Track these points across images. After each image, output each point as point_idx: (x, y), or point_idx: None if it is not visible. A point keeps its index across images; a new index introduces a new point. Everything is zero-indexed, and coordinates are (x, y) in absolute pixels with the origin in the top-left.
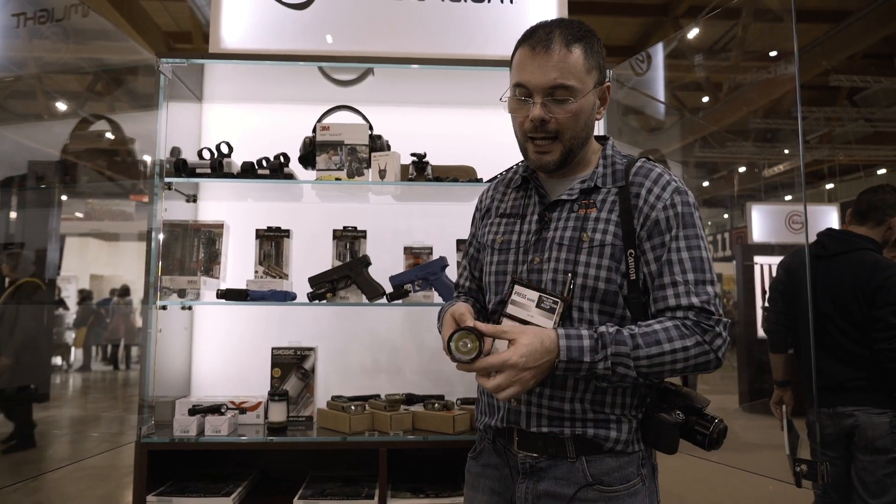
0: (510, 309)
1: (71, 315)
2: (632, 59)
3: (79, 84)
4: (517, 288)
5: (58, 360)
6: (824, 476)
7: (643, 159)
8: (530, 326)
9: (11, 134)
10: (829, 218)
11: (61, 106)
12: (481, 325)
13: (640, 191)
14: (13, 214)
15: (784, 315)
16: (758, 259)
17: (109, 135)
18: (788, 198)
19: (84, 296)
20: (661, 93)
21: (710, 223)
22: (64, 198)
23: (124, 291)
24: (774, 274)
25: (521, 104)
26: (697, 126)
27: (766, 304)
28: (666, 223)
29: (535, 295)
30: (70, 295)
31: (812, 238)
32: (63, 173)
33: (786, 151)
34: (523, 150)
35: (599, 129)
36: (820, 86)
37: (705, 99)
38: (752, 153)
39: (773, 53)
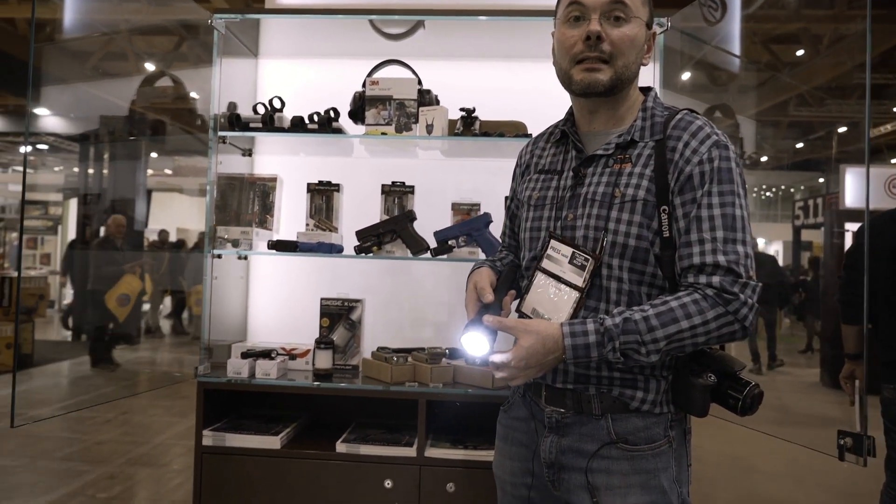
0: (544, 263)
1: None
2: (703, 7)
3: (167, 44)
4: (553, 242)
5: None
6: (870, 451)
7: (685, 111)
8: (535, 324)
9: (104, 93)
10: None
11: (150, 66)
12: (488, 319)
13: (676, 144)
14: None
15: (862, 284)
16: (849, 226)
17: (194, 94)
18: (895, 161)
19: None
20: (736, 45)
21: (802, 188)
22: (154, 155)
23: None
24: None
25: (572, 25)
26: (789, 83)
27: (842, 273)
28: (700, 178)
29: (568, 251)
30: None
31: None
32: (131, 127)
33: (895, 109)
34: (568, 78)
35: (655, 83)
36: None
37: (800, 52)
38: (854, 112)
39: None
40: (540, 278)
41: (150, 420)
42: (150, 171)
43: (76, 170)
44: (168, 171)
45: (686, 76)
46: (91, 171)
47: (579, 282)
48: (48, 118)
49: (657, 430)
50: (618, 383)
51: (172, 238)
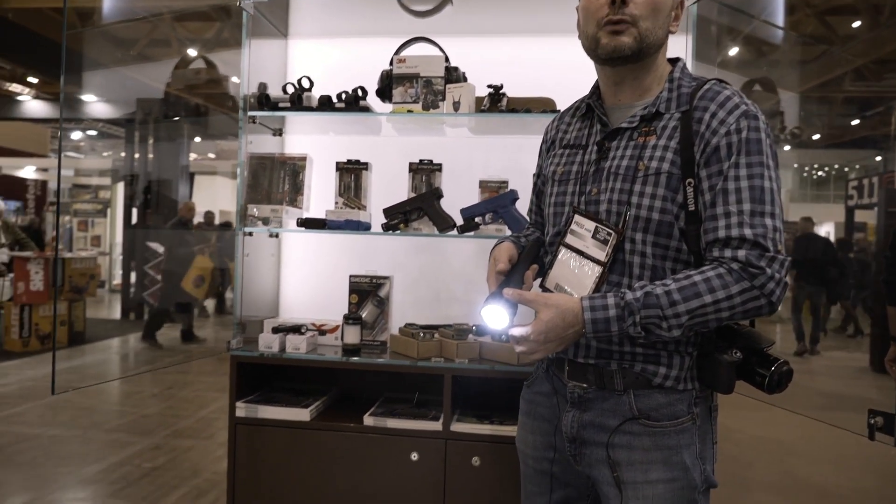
0: (568, 238)
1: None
2: None
3: (208, 29)
4: (577, 217)
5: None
6: None
7: (713, 81)
8: (555, 298)
9: (143, 77)
10: None
11: (192, 52)
12: (508, 293)
13: (703, 115)
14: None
15: None
16: None
17: (235, 78)
18: None
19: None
20: (781, 17)
21: (857, 166)
22: (198, 139)
23: None
24: None
25: None
26: (845, 56)
27: (888, 252)
28: (727, 150)
29: (592, 225)
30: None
31: None
32: (167, 109)
33: None
34: (595, 42)
35: (688, 56)
36: None
37: (856, 24)
38: None
39: None
40: (563, 253)
41: (194, 395)
42: (194, 156)
43: (123, 154)
44: (211, 155)
45: (732, 52)
46: (137, 154)
47: (602, 256)
48: (95, 104)
49: (681, 407)
50: (640, 359)
51: (217, 220)
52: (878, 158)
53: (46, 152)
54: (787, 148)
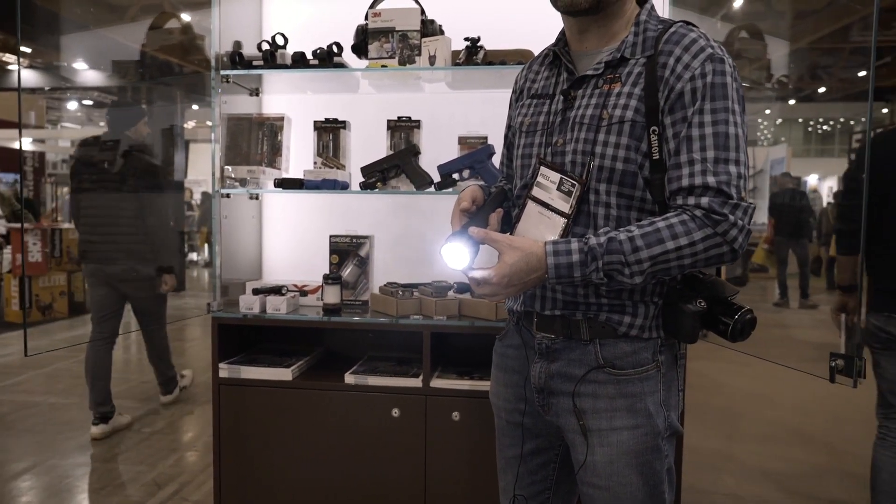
0: (535, 191)
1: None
2: None
3: None
4: (542, 169)
5: (193, 256)
6: (860, 372)
7: (680, 23)
8: (520, 241)
9: (121, 37)
10: None
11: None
12: (474, 231)
13: (667, 60)
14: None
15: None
16: None
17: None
18: None
19: None
20: None
21: (863, 119)
22: (195, 107)
23: None
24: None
25: None
26: (850, 5)
27: (841, 200)
28: (691, 95)
29: (557, 177)
30: (197, 198)
31: None
32: (143, 71)
33: None
34: None
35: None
36: None
37: None
38: None
39: None
40: (530, 206)
41: (193, 362)
42: (191, 124)
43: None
44: (209, 123)
45: (737, 3)
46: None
47: (566, 208)
48: (87, 72)
49: (645, 355)
50: (606, 309)
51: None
52: (885, 111)
53: (43, 123)
54: (791, 102)
